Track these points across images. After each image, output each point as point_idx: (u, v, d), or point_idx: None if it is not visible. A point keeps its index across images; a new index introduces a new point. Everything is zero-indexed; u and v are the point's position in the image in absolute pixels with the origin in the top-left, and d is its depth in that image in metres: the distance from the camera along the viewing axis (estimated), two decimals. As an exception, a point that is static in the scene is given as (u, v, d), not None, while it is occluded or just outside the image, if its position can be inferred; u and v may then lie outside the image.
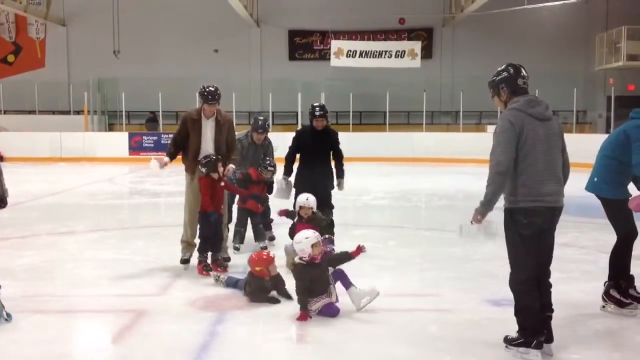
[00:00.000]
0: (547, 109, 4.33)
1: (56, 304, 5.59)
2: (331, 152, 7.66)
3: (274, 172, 7.59)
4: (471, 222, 4.33)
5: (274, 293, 5.66)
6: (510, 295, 5.64)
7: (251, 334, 4.87)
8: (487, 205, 4.24)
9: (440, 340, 4.67)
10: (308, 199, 6.59)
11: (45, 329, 4.95)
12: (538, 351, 4.25)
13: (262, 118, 8.27)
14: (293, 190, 7.59)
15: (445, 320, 5.12)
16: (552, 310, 4.46)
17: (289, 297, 5.59)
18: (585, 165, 22.40)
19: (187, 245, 6.86)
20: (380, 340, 4.68)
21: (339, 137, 7.70)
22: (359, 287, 5.35)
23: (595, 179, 5.40)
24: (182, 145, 6.81)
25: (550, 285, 4.52)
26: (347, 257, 5.45)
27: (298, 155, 7.66)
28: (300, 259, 5.26)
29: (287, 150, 7.68)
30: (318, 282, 5.20)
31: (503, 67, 4.49)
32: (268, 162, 7.60)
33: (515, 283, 4.36)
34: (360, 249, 5.39)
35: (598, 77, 26.67)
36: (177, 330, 4.91)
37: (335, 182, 7.65)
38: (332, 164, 7.71)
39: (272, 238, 8.00)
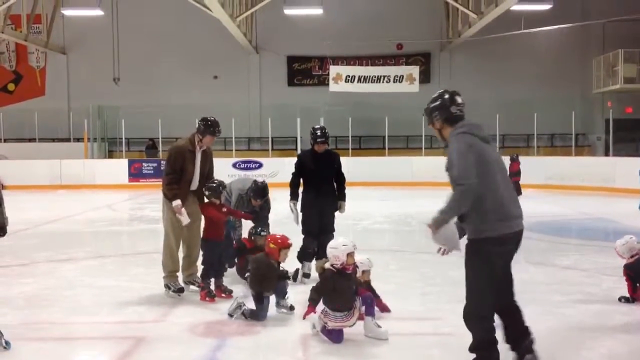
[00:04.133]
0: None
1: (55, 332, 5.55)
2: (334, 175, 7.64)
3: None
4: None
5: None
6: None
7: (252, 359, 4.83)
8: (444, 218, 3.95)
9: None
10: (370, 260, 6.03)
11: (44, 356, 4.91)
12: None
13: (261, 183, 7.95)
14: (300, 214, 7.54)
15: (447, 344, 5.07)
16: (531, 333, 4.26)
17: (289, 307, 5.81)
18: (584, 187, 22.22)
19: (174, 274, 6.82)
20: (382, 365, 4.63)
21: (340, 159, 7.68)
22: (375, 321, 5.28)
23: None
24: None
25: (521, 312, 4.28)
26: (373, 300, 5.38)
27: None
28: (332, 265, 5.20)
29: (289, 176, 7.64)
30: (342, 294, 5.12)
31: (437, 94, 4.30)
32: (259, 229, 7.31)
33: (474, 319, 4.10)
34: (386, 309, 5.69)
35: (596, 100, 26.81)
36: (177, 356, 4.87)
37: (337, 205, 7.61)
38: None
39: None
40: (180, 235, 6.83)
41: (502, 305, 4.15)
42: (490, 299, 4.02)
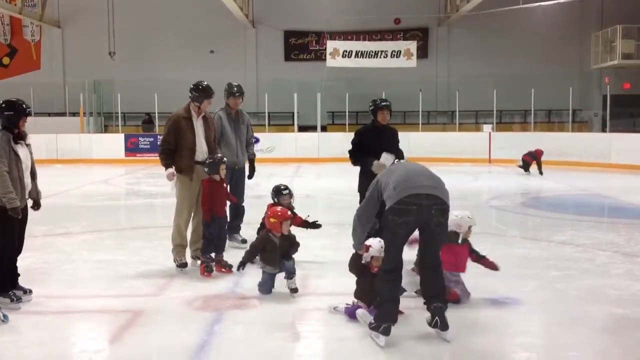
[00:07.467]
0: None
1: (53, 305, 5.57)
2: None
3: (291, 195, 6.97)
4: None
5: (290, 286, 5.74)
6: (509, 294, 5.70)
7: (249, 333, 4.85)
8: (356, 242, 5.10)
9: (439, 339, 4.66)
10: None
11: (42, 330, 4.94)
12: (384, 337, 4.51)
13: (231, 83, 8.10)
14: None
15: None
16: (445, 300, 4.71)
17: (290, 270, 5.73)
18: (580, 163, 22.17)
19: (182, 248, 6.82)
20: (378, 338, 4.66)
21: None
22: None
23: None
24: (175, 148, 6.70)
25: (438, 276, 4.74)
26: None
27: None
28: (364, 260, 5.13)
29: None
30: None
31: None
32: (283, 187, 6.96)
33: (381, 270, 4.76)
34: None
35: (593, 75, 26.74)
36: (174, 330, 4.90)
37: None
38: None
39: (244, 241, 7.63)
40: (191, 210, 6.81)
41: (421, 261, 4.89)
42: (390, 256, 4.68)
